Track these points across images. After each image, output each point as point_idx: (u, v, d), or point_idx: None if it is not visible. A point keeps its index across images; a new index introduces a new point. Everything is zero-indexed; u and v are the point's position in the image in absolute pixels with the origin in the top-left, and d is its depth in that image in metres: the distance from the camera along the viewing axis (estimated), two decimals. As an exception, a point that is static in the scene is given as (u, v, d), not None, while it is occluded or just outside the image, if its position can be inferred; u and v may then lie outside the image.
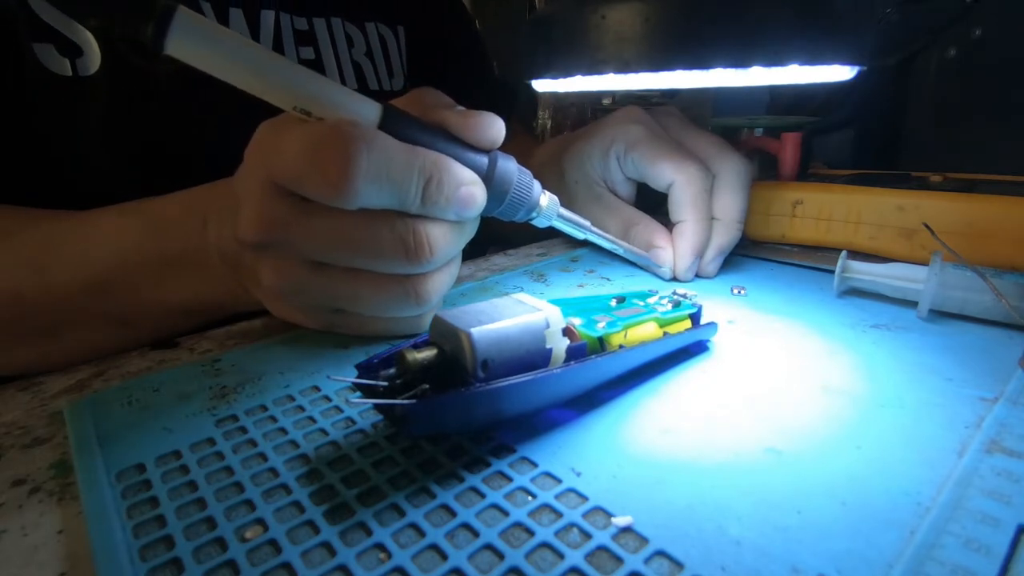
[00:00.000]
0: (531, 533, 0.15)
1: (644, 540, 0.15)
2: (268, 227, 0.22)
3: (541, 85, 0.29)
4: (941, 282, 0.27)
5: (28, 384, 0.25)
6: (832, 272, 0.30)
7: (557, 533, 0.15)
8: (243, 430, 0.20)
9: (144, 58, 0.35)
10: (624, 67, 0.25)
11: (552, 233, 0.33)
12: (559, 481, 0.17)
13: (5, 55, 0.32)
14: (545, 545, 0.15)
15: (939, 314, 0.28)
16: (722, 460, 0.18)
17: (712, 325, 0.25)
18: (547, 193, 0.27)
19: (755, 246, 0.40)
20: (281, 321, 0.27)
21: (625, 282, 0.35)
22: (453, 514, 0.16)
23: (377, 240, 0.22)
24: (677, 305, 0.24)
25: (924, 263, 0.28)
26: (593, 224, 0.30)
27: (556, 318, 0.19)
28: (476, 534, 0.15)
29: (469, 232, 0.26)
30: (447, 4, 0.60)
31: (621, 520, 0.15)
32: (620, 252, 0.33)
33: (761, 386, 0.22)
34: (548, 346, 0.19)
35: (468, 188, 0.23)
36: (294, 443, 0.19)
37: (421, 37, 0.54)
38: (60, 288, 0.28)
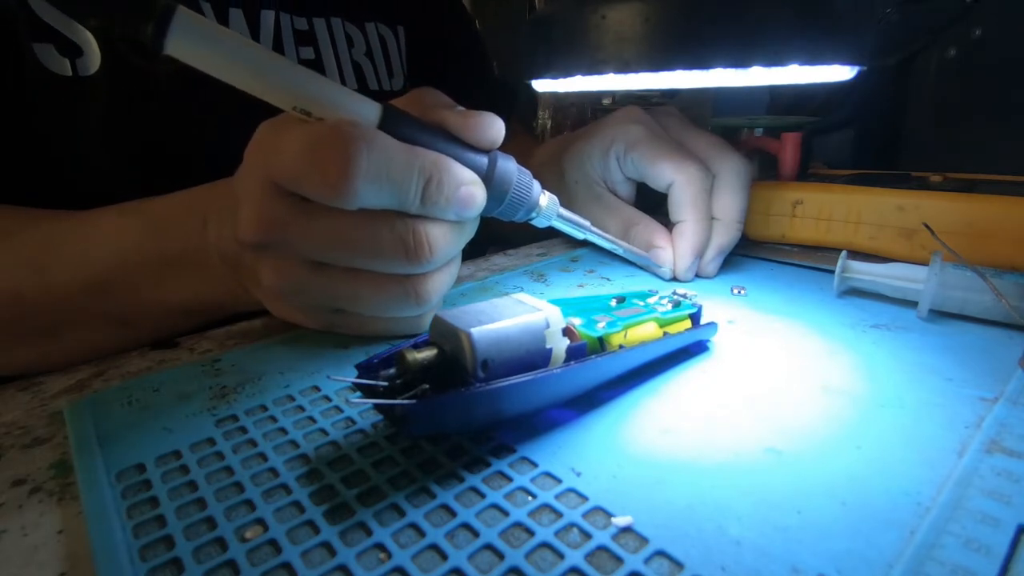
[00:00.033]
0: (531, 533, 0.15)
1: (644, 540, 0.15)
2: (268, 227, 0.22)
3: (541, 85, 0.29)
4: (941, 282, 0.27)
5: (28, 384, 0.25)
6: (832, 272, 0.30)
7: (557, 533, 0.15)
8: (243, 430, 0.20)
9: (144, 58, 0.35)
10: (624, 67, 0.25)
11: (552, 233, 0.33)
12: (559, 481, 0.17)
13: (5, 55, 0.32)
14: (545, 545, 0.15)
15: (939, 314, 0.28)
16: (722, 460, 0.18)
17: (712, 325, 0.25)
18: (547, 193, 0.27)
19: (755, 246, 0.40)
20: (281, 321, 0.27)
21: (625, 282, 0.35)
22: (453, 514, 0.16)
23: (377, 240, 0.22)
24: (677, 305, 0.24)
25: (924, 263, 0.28)
26: (593, 224, 0.30)
27: (556, 318, 0.19)
28: (476, 534, 0.15)
29: (469, 232, 0.26)
30: (447, 4, 0.60)
31: (621, 520, 0.15)
32: (620, 252, 0.33)
33: (761, 386, 0.22)
34: (548, 346, 0.19)
35: (468, 188, 0.23)
36: (294, 443, 0.19)
37: (421, 37, 0.54)
38: (60, 288, 0.28)
